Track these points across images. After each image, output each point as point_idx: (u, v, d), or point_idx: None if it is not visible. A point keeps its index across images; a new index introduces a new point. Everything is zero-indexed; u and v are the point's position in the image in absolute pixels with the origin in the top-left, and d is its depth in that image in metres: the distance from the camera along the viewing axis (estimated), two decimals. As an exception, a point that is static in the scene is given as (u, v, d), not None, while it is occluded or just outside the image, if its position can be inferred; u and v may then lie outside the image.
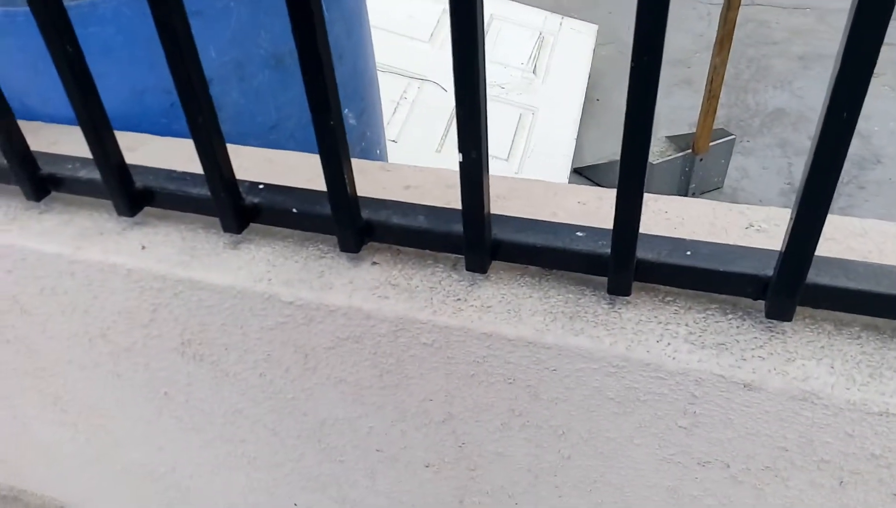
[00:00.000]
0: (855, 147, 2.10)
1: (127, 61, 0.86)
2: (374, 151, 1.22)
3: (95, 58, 0.83)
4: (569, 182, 1.90)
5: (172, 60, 0.56)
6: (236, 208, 0.63)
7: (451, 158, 1.74)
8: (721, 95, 2.33)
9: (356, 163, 0.83)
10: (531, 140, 1.92)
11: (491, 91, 2.04)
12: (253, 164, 0.81)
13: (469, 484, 0.71)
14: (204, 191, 0.64)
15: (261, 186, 0.67)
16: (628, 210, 0.53)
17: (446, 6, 2.23)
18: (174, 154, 0.79)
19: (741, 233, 0.68)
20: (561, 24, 2.46)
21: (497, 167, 1.79)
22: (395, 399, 0.65)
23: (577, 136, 2.17)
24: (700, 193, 1.91)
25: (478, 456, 0.67)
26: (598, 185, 1.98)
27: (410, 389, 0.63)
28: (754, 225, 0.70)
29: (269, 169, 0.79)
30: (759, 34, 2.80)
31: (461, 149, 0.54)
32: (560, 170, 1.90)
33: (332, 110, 0.54)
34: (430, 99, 1.85)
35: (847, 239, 0.68)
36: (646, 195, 0.78)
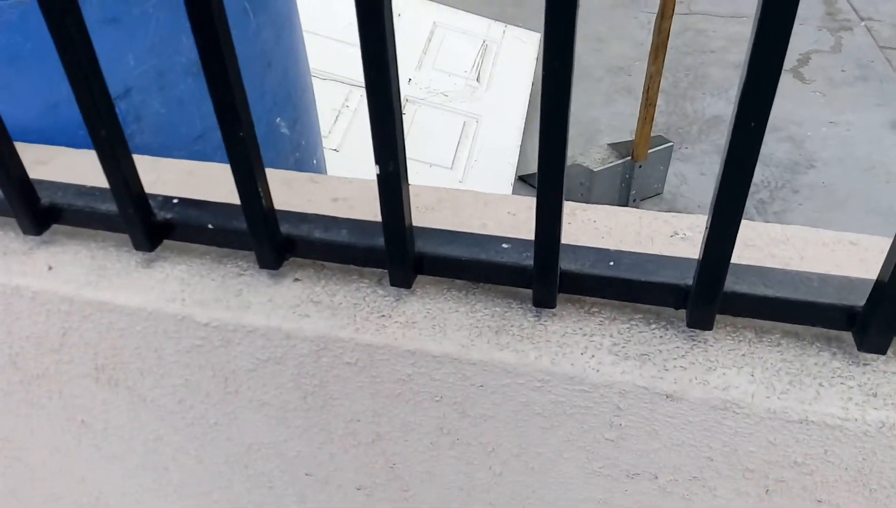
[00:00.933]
0: (788, 152, 2.17)
1: (37, 71, 0.82)
2: (310, 160, 1.19)
3: (0, 67, 0.79)
4: (513, 190, 1.90)
5: (70, 70, 0.53)
6: (147, 225, 0.60)
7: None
8: (660, 103, 2.39)
9: (284, 174, 0.81)
10: (475, 148, 1.92)
11: (434, 99, 2.03)
12: (173, 176, 0.77)
13: (403, 506, 0.69)
14: (114, 207, 0.61)
15: (175, 201, 0.64)
16: (549, 222, 0.52)
17: (388, 14, 2.22)
18: (89, 167, 0.75)
19: (666, 242, 0.69)
20: (504, 32, 2.47)
21: (441, 175, 1.78)
22: (321, 421, 0.62)
23: (522, 143, 2.18)
24: (641, 199, 1.94)
25: (409, 477, 0.65)
26: (542, 192, 1.99)
27: (336, 410, 0.61)
28: (679, 233, 0.71)
29: (190, 182, 0.76)
30: (697, 43, 2.88)
31: (378, 161, 0.52)
32: (504, 178, 1.90)
33: (241, 121, 0.52)
34: (371, 107, 1.83)
35: (769, 246, 0.69)
36: (574, 204, 0.78)
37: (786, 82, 2.55)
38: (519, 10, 3.15)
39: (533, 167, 2.07)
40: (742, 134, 0.45)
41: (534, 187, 2.02)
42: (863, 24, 3.02)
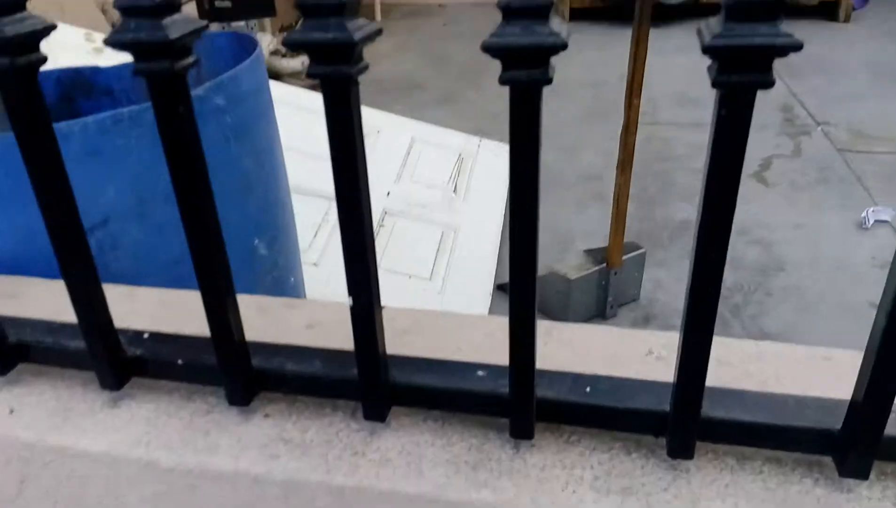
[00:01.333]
0: (758, 255, 2.22)
1: (12, 199, 0.83)
2: (287, 279, 1.19)
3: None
4: (492, 299, 1.91)
5: (44, 208, 0.53)
6: (115, 363, 0.59)
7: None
8: (631, 209, 2.45)
9: (259, 301, 0.81)
10: (454, 258, 1.95)
11: (413, 211, 2.08)
12: (146, 307, 0.77)
13: None
14: (83, 344, 0.60)
15: (146, 336, 0.63)
16: (522, 354, 0.52)
17: (367, 130, 2.30)
18: (62, 300, 0.75)
19: (642, 361, 0.69)
20: (479, 145, 2.57)
21: (420, 287, 1.79)
22: (291, 566, 0.59)
23: (499, 252, 2.22)
24: (619, 305, 1.95)
25: None
26: (521, 299, 2.00)
27: (308, 554, 0.58)
28: (654, 352, 0.71)
29: (164, 312, 0.76)
30: (663, 150, 3.01)
31: (350, 292, 0.53)
32: (483, 287, 1.91)
33: (214, 256, 0.52)
34: (350, 221, 1.86)
35: (744, 363, 0.69)
36: (549, 324, 0.78)
37: (750, 186, 2.66)
38: (493, 123, 3.29)
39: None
40: (705, 267, 0.46)
41: (513, 294, 2.04)
42: (819, 128, 3.19)
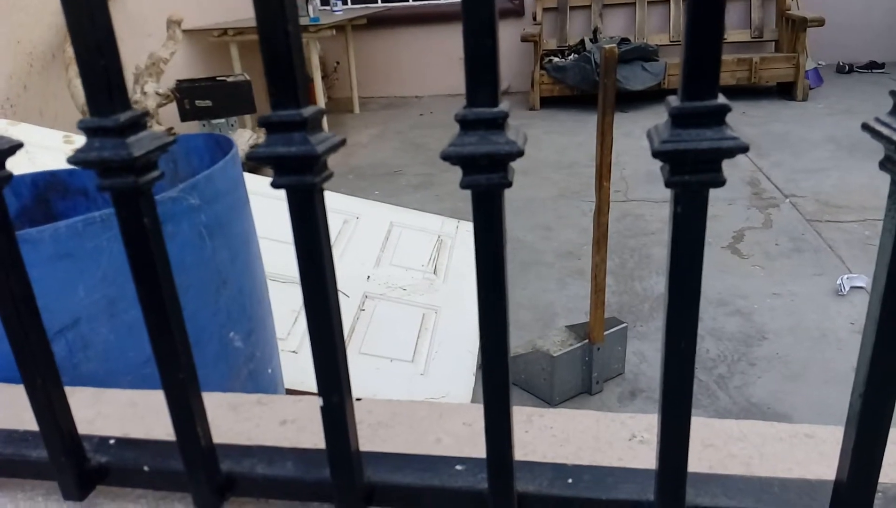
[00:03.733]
0: (739, 325, 2.24)
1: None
2: (264, 370, 1.17)
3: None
4: (476, 378, 1.89)
5: (5, 314, 0.52)
6: (79, 472, 0.57)
7: (354, 368, 1.71)
8: (611, 283, 2.48)
9: (231, 399, 0.79)
10: (435, 339, 1.93)
11: (393, 294, 2.08)
12: (114, 409, 0.75)
13: None
14: (45, 453, 0.58)
15: (112, 441, 0.61)
16: (499, 446, 0.51)
17: (347, 217, 2.32)
18: (23, 406, 0.73)
19: (625, 446, 0.68)
20: (458, 227, 2.61)
21: (402, 370, 1.76)
22: None
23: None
24: (603, 380, 1.94)
25: None
26: (505, 380, 1.98)
27: None
28: (637, 436, 0.70)
29: (133, 414, 0.74)
30: (637, 226, 3.07)
31: (321, 392, 0.52)
32: (466, 366, 1.89)
33: (180, 363, 0.51)
34: (330, 307, 1.85)
35: (727, 444, 0.68)
36: (530, 410, 0.77)
37: (726, 258, 2.71)
38: (467, 203, 3.35)
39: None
40: (674, 356, 0.46)
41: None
42: (787, 200, 3.29)
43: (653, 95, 5.47)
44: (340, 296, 1.93)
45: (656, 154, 0.42)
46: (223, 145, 1.15)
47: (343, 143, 0.47)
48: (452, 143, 0.44)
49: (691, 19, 0.39)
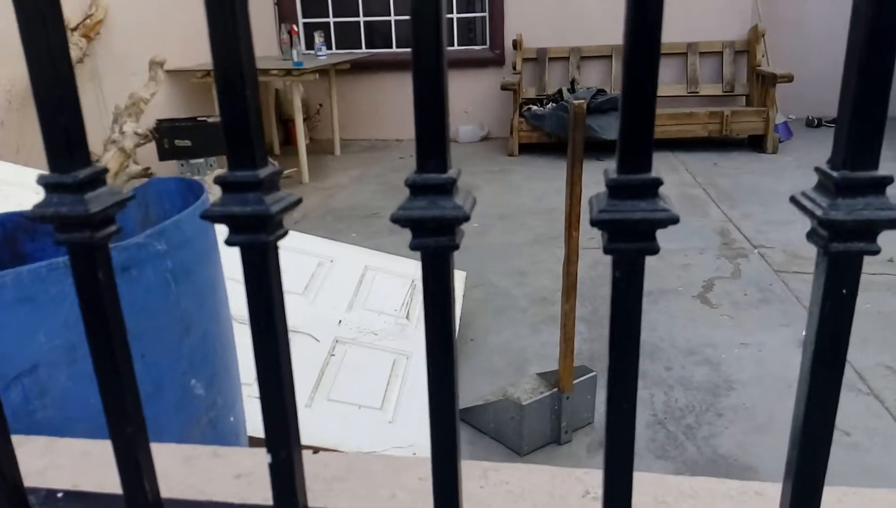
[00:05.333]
0: (708, 375, 2.26)
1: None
2: (226, 418, 1.16)
3: None
4: (445, 428, 1.88)
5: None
6: (22, 528, 0.56)
7: (321, 415, 1.68)
8: (582, 330, 2.50)
9: (184, 450, 0.78)
10: (405, 386, 1.92)
11: (364, 338, 2.07)
12: (67, 460, 0.74)
13: None
14: (-12, 507, 0.57)
15: (60, 494, 0.60)
16: (447, 504, 0.51)
17: (321, 260, 2.33)
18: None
19: (578, 503, 0.68)
20: (432, 271, 2.62)
21: (370, 418, 1.75)
22: None
23: (453, 378, 2.20)
24: (572, 429, 1.94)
25: None
26: (475, 428, 1.97)
27: None
28: (591, 492, 0.71)
29: (85, 465, 0.73)
30: (608, 274, 3.11)
31: (269, 448, 0.52)
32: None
33: (129, 416, 0.51)
34: (300, 351, 1.84)
35: (678, 501, 0.69)
36: (487, 465, 0.77)
37: (696, 307, 2.75)
38: (447, 248, 3.38)
39: (464, 401, 2.07)
40: (616, 418, 0.47)
41: (466, 423, 2.00)
42: (756, 251, 3.36)
43: (628, 145, 5.59)
44: (310, 340, 1.92)
45: (593, 223, 0.44)
46: (195, 190, 1.16)
47: (299, 202, 0.49)
48: (402, 206, 0.46)
49: (624, 97, 0.41)
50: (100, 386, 0.50)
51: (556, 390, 1.89)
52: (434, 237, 0.46)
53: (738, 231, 3.65)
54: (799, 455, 0.49)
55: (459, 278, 2.71)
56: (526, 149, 5.74)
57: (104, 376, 0.50)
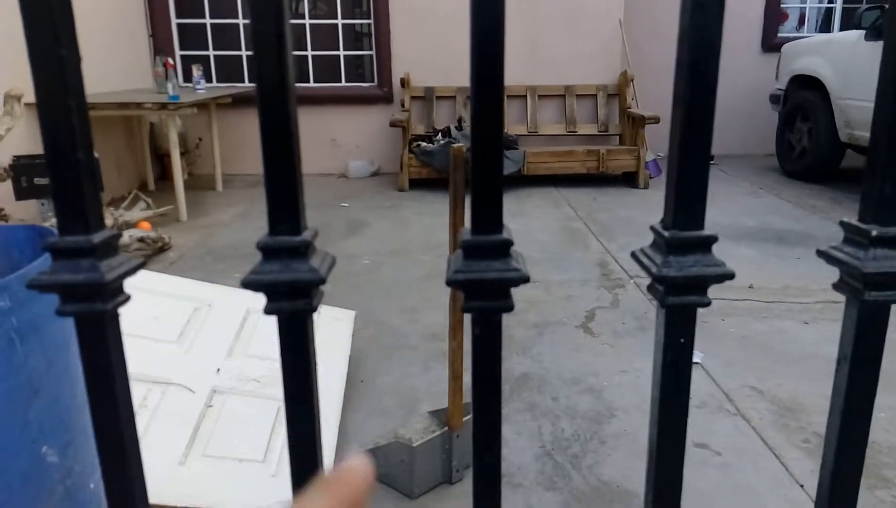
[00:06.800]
0: (590, 403, 2.34)
1: None
2: (85, 486, 1.06)
3: None
4: (333, 475, 1.81)
5: None
6: None
7: (196, 473, 1.58)
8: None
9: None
10: (291, 434, 1.85)
11: (245, 387, 1.98)
12: None
13: None
14: None
15: None
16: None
17: (198, 304, 2.21)
18: None
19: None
20: (319, 312, 2.56)
21: (252, 471, 1.66)
22: None
23: (342, 421, 2.15)
24: (464, 467, 1.94)
25: None
26: (365, 473, 1.92)
27: None
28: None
29: None
30: (499, 308, 3.17)
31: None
32: (323, 462, 1.82)
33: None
34: (174, 404, 1.73)
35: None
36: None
37: (579, 337, 2.86)
38: (334, 286, 3.33)
39: (354, 448, 2.02)
40: (481, 462, 0.47)
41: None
42: (632, 281, 3.55)
43: (514, 181, 5.83)
44: (185, 392, 1.81)
45: (449, 283, 0.44)
46: (47, 238, 1.07)
47: (141, 266, 0.46)
48: (254, 270, 0.44)
49: (473, 162, 0.42)
50: None
51: (446, 428, 1.89)
52: (290, 301, 0.44)
53: (615, 262, 3.85)
54: (655, 490, 0.51)
55: (349, 318, 2.67)
56: (416, 184, 5.81)
57: None
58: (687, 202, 0.39)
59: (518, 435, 2.14)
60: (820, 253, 0.50)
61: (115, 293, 0.43)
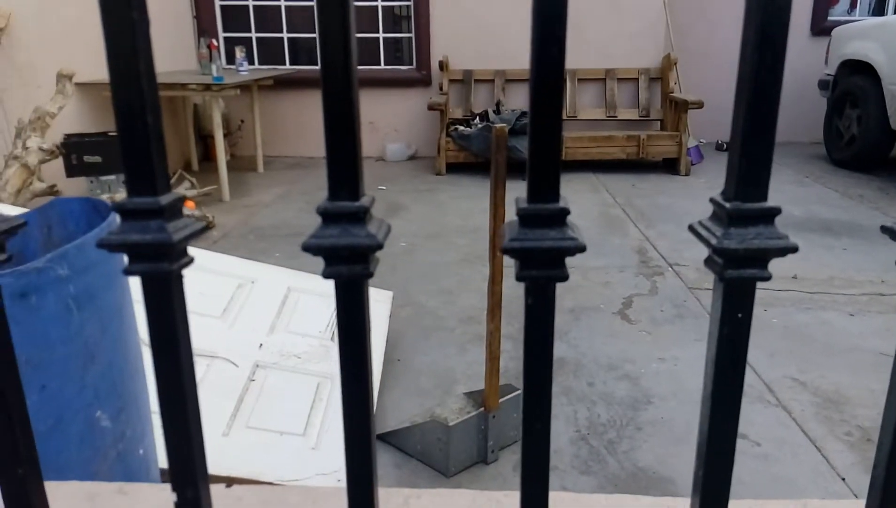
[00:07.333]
0: (627, 390, 2.32)
1: None
2: (135, 451, 1.10)
3: None
4: (370, 451, 1.85)
5: None
6: None
7: (239, 444, 1.62)
8: (509, 348, 2.53)
9: (87, 487, 0.73)
10: (329, 410, 1.88)
11: (287, 362, 2.02)
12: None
13: None
14: None
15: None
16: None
17: (241, 281, 2.25)
18: None
19: (498, 528, 0.68)
20: (357, 291, 2.59)
21: (293, 444, 1.70)
22: None
23: (379, 398, 2.18)
24: (499, 448, 1.95)
25: None
26: (402, 451, 1.95)
27: None
28: (511, 517, 0.71)
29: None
30: (535, 292, 3.16)
31: (174, 487, 0.49)
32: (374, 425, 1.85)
33: (20, 457, 0.48)
34: (218, 377, 1.77)
35: (595, 521, 0.70)
36: (408, 492, 0.76)
37: (616, 324, 2.83)
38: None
39: (391, 423, 2.05)
40: (530, 439, 0.47)
41: (393, 446, 1.98)
42: (671, 269, 3.50)
43: (551, 166, 5.75)
44: (229, 366, 1.85)
45: (505, 251, 0.44)
46: (101, 210, 1.10)
47: (205, 229, 0.47)
48: (314, 234, 0.45)
49: (532, 132, 0.42)
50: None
51: (482, 409, 1.90)
52: (347, 266, 0.45)
53: (654, 250, 3.80)
54: (705, 470, 0.51)
55: (387, 298, 2.69)
56: (453, 168, 5.80)
57: (-13, 417, 0.46)
58: (751, 172, 0.38)
59: (554, 419, 2.14)
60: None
61: (180, 255, 0.45)
